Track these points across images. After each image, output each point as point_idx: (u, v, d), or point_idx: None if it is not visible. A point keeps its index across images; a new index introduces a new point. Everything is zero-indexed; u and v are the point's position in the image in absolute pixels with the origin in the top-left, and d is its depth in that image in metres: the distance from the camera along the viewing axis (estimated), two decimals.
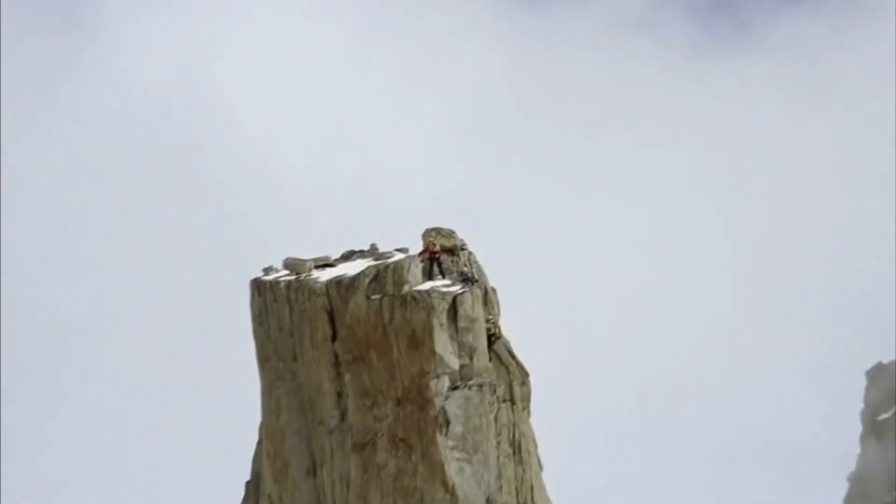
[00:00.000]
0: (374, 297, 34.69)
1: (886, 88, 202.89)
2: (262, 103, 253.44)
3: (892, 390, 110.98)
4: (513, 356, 36.19)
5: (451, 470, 32.33)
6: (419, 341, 33.19)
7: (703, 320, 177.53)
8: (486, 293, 36.42)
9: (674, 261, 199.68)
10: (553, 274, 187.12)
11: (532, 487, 34.41)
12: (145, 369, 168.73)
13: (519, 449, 34.09)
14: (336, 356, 35.68)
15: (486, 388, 33.59)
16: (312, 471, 37.12)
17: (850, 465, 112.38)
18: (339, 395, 35.63)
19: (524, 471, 33.95)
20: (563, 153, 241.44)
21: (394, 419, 33.47)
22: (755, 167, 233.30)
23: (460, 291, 34.28)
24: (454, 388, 33.13)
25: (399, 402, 33.48)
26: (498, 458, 33.35)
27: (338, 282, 35.84)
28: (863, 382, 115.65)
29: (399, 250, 38.15)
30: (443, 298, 33.75)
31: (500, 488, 33.31)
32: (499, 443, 33.55)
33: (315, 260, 39.32)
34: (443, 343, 33.27)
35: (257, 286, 39.59)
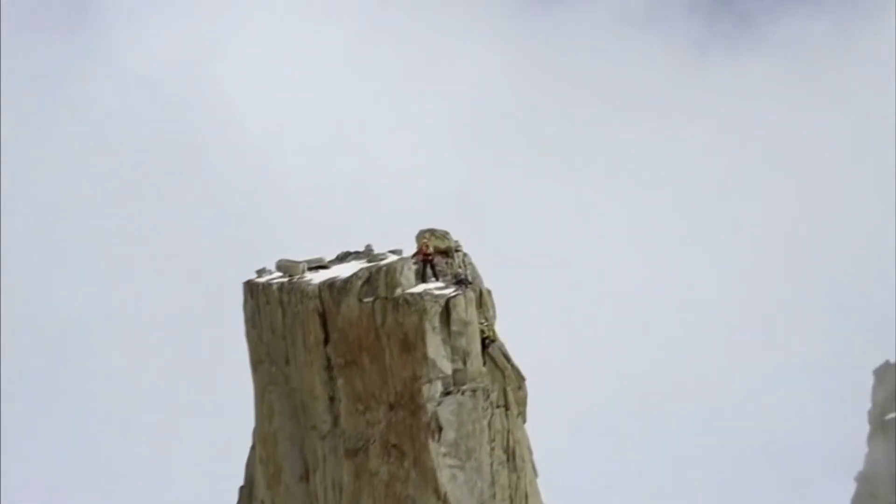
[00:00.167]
0: (366, 299, 34.14)
1: (886, 88, 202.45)
2: (262, 103, 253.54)
3: None
4: (508, 360, 35.59)
5: (444, 477, 31.73)
6: (411, 345, 32.60)
7: (703, 320, 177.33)
8: (480, 295, 35.87)
9: (674, 260, 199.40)
10: (553, 274, 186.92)
11: (526, 495, 33.76)
12: (145, 369, 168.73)
13: (513, 455, 33.45)
14: (328, 360, 35.18)
15: (479, 393, 32.95)
16: (305, 476, 36.66)
17: (856, 464, 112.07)
18: (332, 399, 35.13)
19: (518, 478, 33.32)
20: (564, 153, 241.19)
21: (386, 425, 32.91)
22: (755, 167, 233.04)
23: (453, 294, 33.60)
24: (447, 393, 32.51)
25: (391, 408, 32.92)
26: (491, 464, 32.71)
27: (330, 284, 35.33)
28: (862, 383, 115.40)
29: (392, 252, 37.67)
30: (435, 301, 33.10)
31: (494, 496, 32.64)
32: (492, 449, 32.89)
33: (308, 261, 38.83)
34: (435, 347, 32.65)
35: (250, 288, 39.17)
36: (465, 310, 33.36)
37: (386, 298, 33.68)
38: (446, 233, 37.93)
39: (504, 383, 34.75)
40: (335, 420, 34.88)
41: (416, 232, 37.96)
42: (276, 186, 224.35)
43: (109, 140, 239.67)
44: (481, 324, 34.76)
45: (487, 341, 34.96)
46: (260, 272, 39.82)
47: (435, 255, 36.34)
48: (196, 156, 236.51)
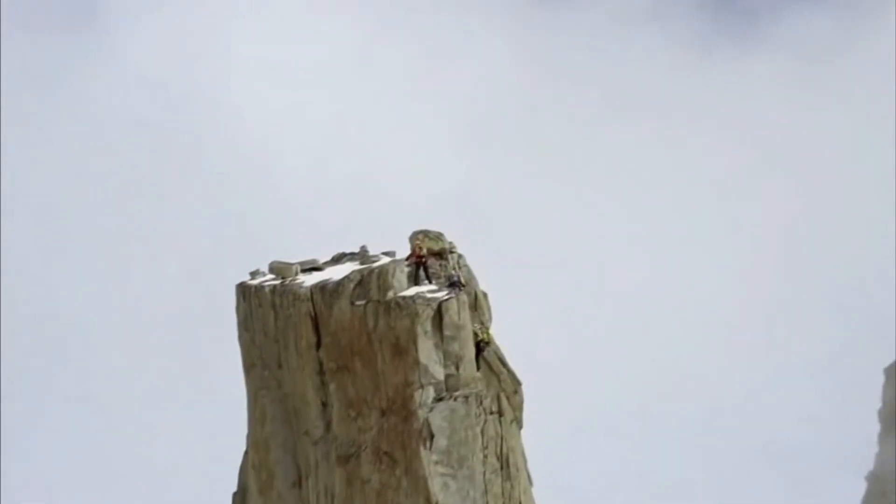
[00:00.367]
0: (358, 302, 33.57)
1: (887, 88, 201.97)
2: (265, 102, 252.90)
3: None
4: (504, 364, 35.03)
5: (436, 486, 31.05)
6: (403, 350, 32.00)
7: (703, 320, 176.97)
8: (475, 298, 35.29)
9: (674, 260, 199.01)
10: (553, 274, 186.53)
11: None
12: (145, 369, 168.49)
13: (507, 463, 32.76)
14: (321, 364, 34.65)
15: (472, 399, 32.23)
16: (298, 483, 36.15)
17: (866, 464, 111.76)
18: (324, 404, 34.61)
19: (512, 486, 32.63)
20: (565, 152, 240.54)
21: (378, 431, 32.31)
22: (755, 166, 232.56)
23: (446, 297, 32.95)
24: (439, 399, 31.82)
25: (383, 414, 32.32)
26: (484, 473, 31.99)
27: (322, 287, 34.80)
28: (862, 382, 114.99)
29: (386, 253, 37.10)
30: (427, 305, 32.46)
31: None
32: (485, 457, 32.18)
33: (302, 263, 38.34)
34: (427, 352, 32.01)
35: (243, 291, 38.72)
36: (457, 313, 32.72)
37: (378, 302, 33.11)
38: (440, 234, 37.34)
39: (499, 388, 34.18)
40: (327, 426, 34.35)
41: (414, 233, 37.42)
42: (278, 186, 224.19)
43: (112, 139, 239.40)
44: (476, 327, 34.20)
45: (482, 345, 34.36)
46: (253, 274, 39.35)
47: (428, 256, 35.72)
48: (198, 155, 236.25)
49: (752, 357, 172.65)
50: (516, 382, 35.17)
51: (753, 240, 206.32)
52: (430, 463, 31.24)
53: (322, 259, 38.95)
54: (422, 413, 31.52)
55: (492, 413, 32.99)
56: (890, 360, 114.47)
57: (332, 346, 33.94)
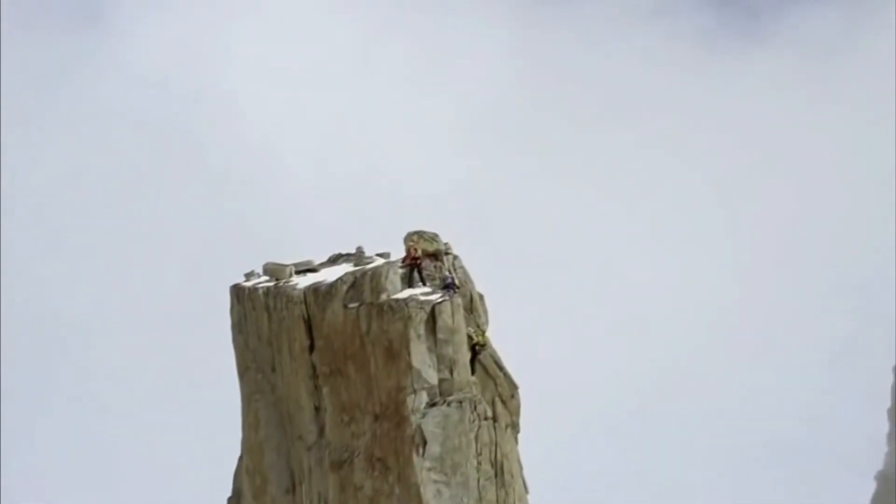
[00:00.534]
0: (351, 305, 32.96)
1: (887, 87, 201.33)
2: (268, 102, 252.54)
3: None
4: (500, 367, 34.34)
5: (428, 493, 30.49)
6: (396, 354, 31.37)
7: (704, 319, 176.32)
8: (471, 300, 34.68)
9: (675, 260, 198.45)
10: (554, 273, 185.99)
11: None
12: (145, 369, 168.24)
13: (501, 470, 32.13)
14: (314, 368, 34.06)
15: (466, 404, 31.57)
16: (292, 488, 35.60)
17: (873, 463, 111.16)
18: (318, 409, 34.02)
19: (507, 494, 31.97)
20: (567, 151, 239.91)
21: (371, 437, 31.72)
22: (756, 165, 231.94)
23: (439, 300, 32.28)
24: (432, 404, 31.20)
25: (376, 419, 31.73)
26: (478, 480, 31.40)
27: (315, 289, 34.19)
28: (862, 382, 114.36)
29: (380, 255, 36.48)
30: (420, 308, 31.80)
31: None
32: (479, 463, 31.56)
33: (297, 264, 37.70)
34: (420, 356, 31.37)
35: (237, 293, 38.13)
36: (451, 316, 32.08)
37: (371, 304, 32.53)
38: (435, 235, 36.71)
39: (496, 392, 33.54)
40: (321, 430, 33.78)
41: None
42: (279, 185, 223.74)
43: (112, 139, 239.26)
44: (471, 330, 33.57)
45: (478, 348, 33.75)
46: (248, 275, 38.76)
47: (423, 258, 35.10)
48: (199, 155, 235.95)
49: (752, 357, 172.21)
50: (513, 386, 34.47)
51: (754, 239, 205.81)
52: (423, 470, 30.68)
53: (319, 260, 38.38)
54: (414, 419, 30.94)
55: (486, 419, 32.34)
56: None
57: (326, 350, 33.36)
